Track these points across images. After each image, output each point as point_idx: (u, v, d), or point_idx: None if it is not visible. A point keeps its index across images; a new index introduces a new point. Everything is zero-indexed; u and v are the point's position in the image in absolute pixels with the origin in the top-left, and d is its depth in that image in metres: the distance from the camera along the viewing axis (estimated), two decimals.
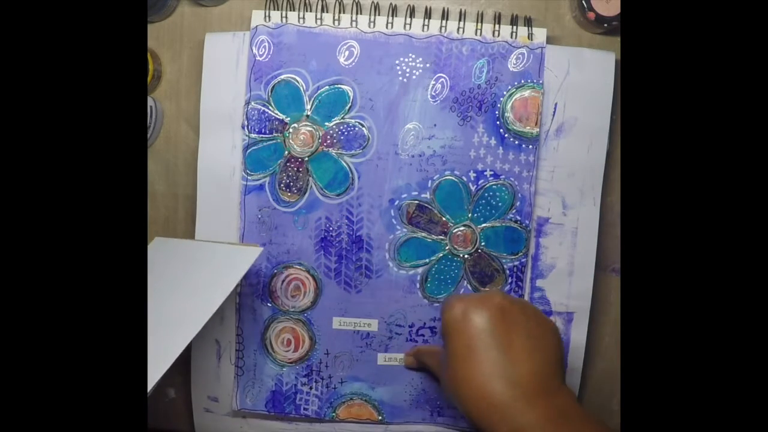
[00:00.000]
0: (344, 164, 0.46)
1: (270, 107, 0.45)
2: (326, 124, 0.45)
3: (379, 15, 0.45)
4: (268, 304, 0.47)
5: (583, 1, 0.44)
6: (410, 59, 0.45)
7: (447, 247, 0.46)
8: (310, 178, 0.46)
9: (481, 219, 0.46)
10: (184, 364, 0.48)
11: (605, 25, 0.45)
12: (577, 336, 0.47)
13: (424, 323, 0.47)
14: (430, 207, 0.46)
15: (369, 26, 0.45)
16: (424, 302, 0.47)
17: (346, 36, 0.45)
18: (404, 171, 0.45)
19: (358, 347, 0.47)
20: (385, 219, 0.46)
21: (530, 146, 0.45)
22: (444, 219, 0.46)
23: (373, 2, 0.45)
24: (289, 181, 0.46)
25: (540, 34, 0.45)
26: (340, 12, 0.45)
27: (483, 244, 0.46)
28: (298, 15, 0.45)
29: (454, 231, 0.46)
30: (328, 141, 0.45)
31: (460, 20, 0.45)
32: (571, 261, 0.46)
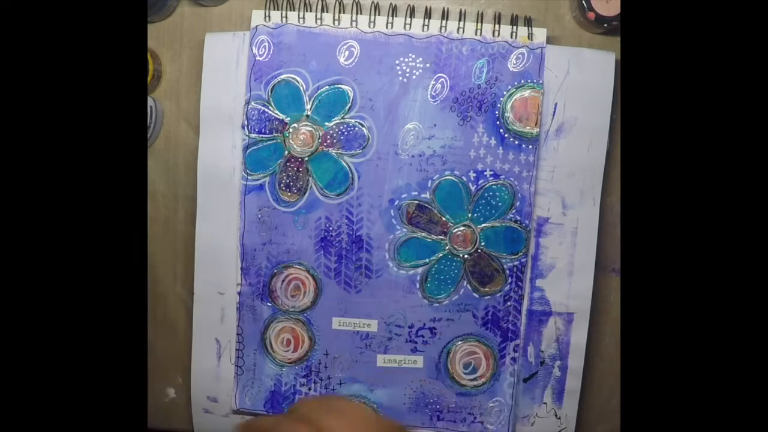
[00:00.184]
0: (344, 164, 0.46)
1: (270, 107, 0.45)
2: (326, 124, 0.45)
3: (379, 15, 0.45)
4: (268, 304, 0.47)
5: (583, 1, 0.44)
6: (410, 59, 0.45)
7: (447, 247, 0.46)
8: (310, 178, 0.46)
9: (481, 219, 0.46)
10: (184, 364, 0.48)
11: (605, 25, 0.45)
12: (577, 336, 0.47)
13: (424, 324, 0.47)
14: (430, 207, 0.46)
15: (369, 26, 0.45)
16: (423, 302, 0.46)
17: (346, 36, 0.45)
18: (404, 171, 0.45)
19: (357, 348, 0.47)
20: (385, 219, 0.46)
21: (530, 146, 0.45)
22: (444, 219, 0.46)
23: (373, 2, 0.45)
24: (289, 181, 0.46)
25: (540, 34, 0.45)
26: (340, 12, 0.45)
27: (483, 244, 0.46)
28: (298, 15, 0.45)
29: (454, 231, 0.46)
30: (328, 141, 0.45)
31: (460, 20, 0.45)
32: (571, 261, 0.46)
